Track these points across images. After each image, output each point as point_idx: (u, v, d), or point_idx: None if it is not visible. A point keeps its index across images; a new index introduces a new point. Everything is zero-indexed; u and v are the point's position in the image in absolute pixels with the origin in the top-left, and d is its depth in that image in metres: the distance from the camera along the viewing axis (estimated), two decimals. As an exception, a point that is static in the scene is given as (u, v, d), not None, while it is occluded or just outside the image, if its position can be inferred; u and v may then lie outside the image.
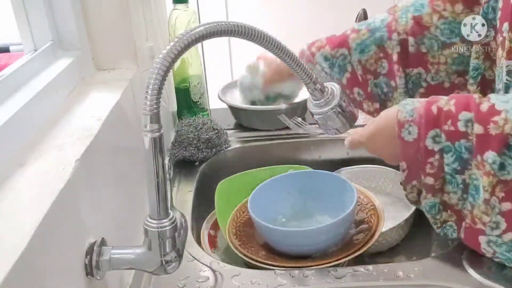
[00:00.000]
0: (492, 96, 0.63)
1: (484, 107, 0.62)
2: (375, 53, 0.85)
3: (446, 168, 0.64)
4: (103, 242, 0.53)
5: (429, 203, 0.68)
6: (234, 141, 1.07)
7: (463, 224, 0.66)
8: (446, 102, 0.65)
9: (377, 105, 0.89)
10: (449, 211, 0.68)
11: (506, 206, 0.61)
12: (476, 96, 0.64)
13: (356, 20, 1.06)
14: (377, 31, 0.85)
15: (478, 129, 0.61)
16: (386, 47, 0.85)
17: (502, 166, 0.60)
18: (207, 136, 1.00)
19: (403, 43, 0.83)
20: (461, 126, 0.62)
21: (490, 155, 0.60)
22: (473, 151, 0.62)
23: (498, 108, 0.61)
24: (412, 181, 0.69)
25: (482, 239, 0.64)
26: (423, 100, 0.67)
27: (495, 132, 0.60)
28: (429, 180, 0.66)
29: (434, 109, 0.65)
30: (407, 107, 0.67)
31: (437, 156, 0.65)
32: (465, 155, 0.63)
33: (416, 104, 0.67)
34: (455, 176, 0.64)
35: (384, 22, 0.86)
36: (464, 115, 0.62)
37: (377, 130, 0.72)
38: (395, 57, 0.84)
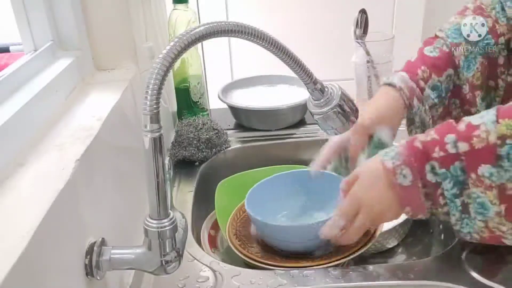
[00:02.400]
0: (465, 118, 0.63)
1: (462, 127, 0.62)
2: (481, 65, 0.80)
3: (446, 194, 0.63)
4: (103, 242, 0.53)
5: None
6: (234, 141, 1.07)
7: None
8: (426, 135, 0.65)
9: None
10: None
11: None
12: (451, 121, 0.64)
13: (356, 20, 1.06)
14: (480, 41, 0.80)
15: (463, 146, 0.60)
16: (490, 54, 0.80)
17: (499, 176, 0.59)
18: (207, 136, 1.00)
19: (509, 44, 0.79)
20: (450, 148, 0.62)
21: (485, 169, 0.59)
22: (466, 170, 0.61)
23: (474, 123, 0.61)
24: (418, 216, 0.68)
25: (504, 240, 0.63)
26: (401, 143, 0.67)
27: (481, 145, 0.59)
28: (445, 209, 0.65)
29: (417, 144, 0.64)
30: (390, 154, 0.66)
31: (442, 186, 0.64)
32: (461, 177, 0.62)
33: (397, 149, 0.66)
34: (454, 201, 0.63)
35: (484, 27, 0.80)
36: (449, 137, 0.62)
37: (366, 187, 0.68)
38: (500, 61, 0.80)
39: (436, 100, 0.81)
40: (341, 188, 0.71)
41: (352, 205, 0.69)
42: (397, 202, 0.66)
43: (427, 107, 0.81)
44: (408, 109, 0.81)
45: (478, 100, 0.82)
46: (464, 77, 0.81)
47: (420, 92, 0.80)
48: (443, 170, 0.62)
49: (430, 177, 0.63)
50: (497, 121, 0.59)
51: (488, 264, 0.68)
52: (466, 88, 0.81)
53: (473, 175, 0.61)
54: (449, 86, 0.82)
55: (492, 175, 0.59)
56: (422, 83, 0.80)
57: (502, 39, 0.79)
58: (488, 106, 0.81)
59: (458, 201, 0.63)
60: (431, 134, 0.64)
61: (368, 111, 0.80)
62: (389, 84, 0.81)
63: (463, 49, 0.80)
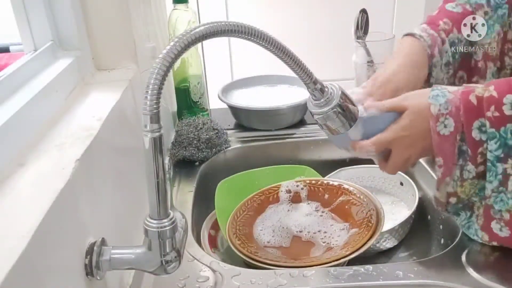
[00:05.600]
0: None
1: None
2: (498, 34, 0.78)
3: (489, 155, 0.61)
4: (103, 242, 0.53)
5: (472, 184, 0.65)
6: (234, 141, 1.07)
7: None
8: (484, 89, 0.62)
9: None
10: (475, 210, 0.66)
11: None
12: None
13: (356, 20, 1.06)
14: (499, 8, 0.77)
15: None
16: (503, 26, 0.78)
17: None
18: (207, 136, 1.00)
19: None
20: (507, 110, 0.59)
21: None
22: None
23: None
24: (446, 178, 0.66)
25: None
26: (455, 90, 0.65)
27: None
28: (481, 168, 0.63)
29: (472, 99, 0.62)
30: (440, 100, 0.64)
31: (485, 145, 0.62)
32: (511, 141, 0.60)
33: (449, 95, 0.64)
34: (496, 165, 0.61)
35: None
36: (508, 98, 0.59)
37: (408, 126, 0.67)
38: (510, 36, 0.77)
39: (451, 59, 0.79)
40: (383, 109, 0.69)
41: (388, 138, 0.68)
42: (430, 146, 0.65)
43: (444, 61, 0.79)
44: (429, 62, 0.78)
45: (488, 74, 0.80)
46: (479, 43, 0.78)
47: (441, 43, 0.78)
48: (492, 130, 0.61)
49: (475, 133, 0.62)
50: None
51: (488, 264, 0.68)
52: (479, 55, 0.79)
53: None
54: (463, 50, 0.80)
55: None
56: (443, 35, 0.78)
57: None
58: None
59: (500, 167, 0.61)
60: (490, 89, 0.62)
61: (388, 67, 0.77)
62: (409, 35, 0.79)
63: (484, 13, 0.78)
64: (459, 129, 0.63)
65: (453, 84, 0.81)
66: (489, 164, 0.62)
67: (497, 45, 0.78)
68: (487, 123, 0.61)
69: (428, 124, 0.65)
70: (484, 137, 0.62)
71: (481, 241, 0.70)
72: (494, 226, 0.66)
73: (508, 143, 0.60)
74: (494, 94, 0.61)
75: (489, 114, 0.61)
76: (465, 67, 0.81)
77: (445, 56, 0.79)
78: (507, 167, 0.61)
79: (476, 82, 0.80)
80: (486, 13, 0.78)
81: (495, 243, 0.69)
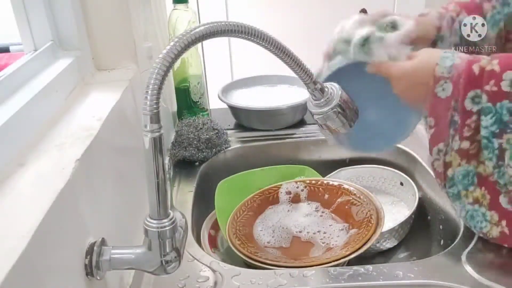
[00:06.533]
0: None
1: None
2: (505, 28, 0.77)
3: (483, 132, 0.61)
4: (103, 242, 0.53)
5: (462, 171, 0.66)
6: (234, 141, 1.07)
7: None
8: (488, 62, 0.62)
9: None
10: (483, 188, 0.65)
11: None
12: None
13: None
14: (507, 6, 0.76)
15: None
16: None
17: None
18: (207, 136, 1.00)
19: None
20: (505, 86, 0.60)
21: None
22: None
23: None
24: (438, 143, 0.67)
25: None
26: (465, 56, 0.65)
27: None
28: (465, 144, 0.64)
29: (475, 68, 0.62)
30: (447, 62, 0.64)
31: (474, 118, 0.62)
32: (506, 117, 0.60)
33: (457, 60, 0.64)
34: (491, 140, 0.61)
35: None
36: (509, 74, 0.60)
37: (412, 71, 0.68)
38: None
39: (459, 40, 0.78)
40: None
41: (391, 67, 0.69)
42: (422, 99, 0.67)
43: (453, 41, 0.78)
44: (437, 32, 0.78)
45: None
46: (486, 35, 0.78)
47: (451, 21, 0.78)
48: (489, 104, 0.61)
49: (467, 103, 0.62)
50: None
51: (488, 264, 0.68)
52: (484, 48, 0.78)
53: None
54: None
55: None
56: (453, 14, 0.78)
57: None
58: None
59: (495, 142, 0.61)
60: (493, 63, 0.62)
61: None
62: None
63: (492, 6, 0.77)
64: (455, 95, 0.63)
65: None
66: (485, 141, 0.62)
67: (500, 41, 0.78)
68: (484, 96, 0.61)
69: (430, 79, 0.65)
70: (475, 109, 0.62)
71: (487, 230, 0.68)
72: (503, 200, 0.65)
73: (503, 119, 0.60)
74: (496, 68, 0.61)
75: (487, 88, 0.61)
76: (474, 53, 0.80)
77: (454, 35, 0.78)
78: (502, 142, 0.61)
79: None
80: (494, 6, 0.77)
81: (503, 224, 0.66)
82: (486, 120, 0.61)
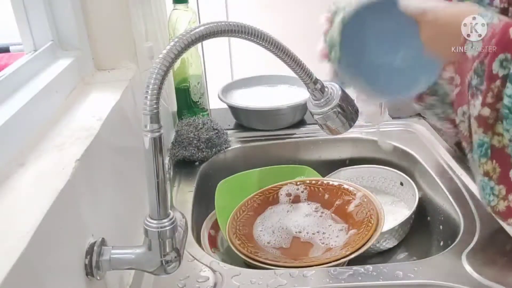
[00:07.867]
0: None
1: None
2: None
3: (506, 100, 0.58)
4: (103, 242, 0.53)
5: (478, 140, 0.63)
6: (234, 141, 1.07)
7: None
8: None
9: None
10: (494, 161, 0.63)
11: None
12: None
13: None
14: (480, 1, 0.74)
15: None
16: None
17: None
18: (207, 136, 1.00)
19: (503, 13, 0.74)
20: None
21: None
22: None
23: None
24: (463, 104, 0.63)
25: None
26: (505, 19, 0.62)
27: None
28: (485, 112, 0.60)
29: (511, 32, 0.59)
30: (482, 20, 0.62)
31: (498, 83, 0.59)
32: None
33: (495, 20, 0.62)
34: None
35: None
36: None
37: (445, 19, 0.65)
38: None
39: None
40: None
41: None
42: (450, 52, 0.64)
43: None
44: None
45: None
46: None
47: None
48: None
49: (495, 65, 0.59)
50: None
51: (488, 264, 0.68)
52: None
53: None
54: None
55: None
56: None
57: (497, 2, 0.73)
58: None
59: None
60: None
61: None
62: None
63: None
64: (481, 57, 0.60)
65: None
66: (506, 111, 0.59)
67: None
68: None
69: (461, 33, 0.63)
70: (501, 73, 0.59)
71: (494, 203, 0.64)
72: None
73: None
74: None
75: None
76: None
77: None
78: None
79: None
80: None
81: (510, 198, 0.63)
82: (510, 89, 0.58)
